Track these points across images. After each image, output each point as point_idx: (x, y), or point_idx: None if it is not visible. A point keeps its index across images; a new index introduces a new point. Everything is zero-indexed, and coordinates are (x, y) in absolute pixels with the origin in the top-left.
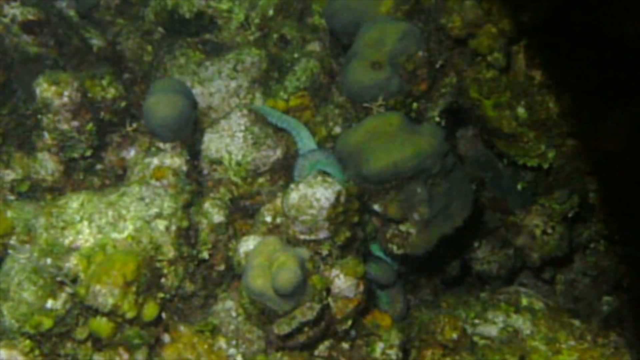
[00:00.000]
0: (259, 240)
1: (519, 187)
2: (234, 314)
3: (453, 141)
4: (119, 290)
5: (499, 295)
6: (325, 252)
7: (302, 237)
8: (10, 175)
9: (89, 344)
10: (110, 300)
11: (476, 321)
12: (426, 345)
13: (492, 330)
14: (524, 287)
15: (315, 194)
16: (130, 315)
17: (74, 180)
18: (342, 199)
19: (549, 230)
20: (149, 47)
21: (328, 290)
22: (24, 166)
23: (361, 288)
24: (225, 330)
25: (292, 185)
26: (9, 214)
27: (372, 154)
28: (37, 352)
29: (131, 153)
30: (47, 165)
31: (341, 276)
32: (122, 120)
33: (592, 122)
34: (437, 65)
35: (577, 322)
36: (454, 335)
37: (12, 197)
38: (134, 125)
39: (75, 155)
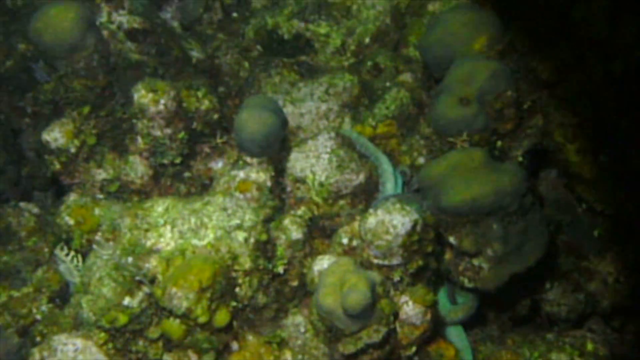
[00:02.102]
0: (333, 260)
1: (596, 233)
2: (302, 329)
3: (535, 182)
4: (193, 295)
5: (565, 338)
6: (396, 278)
7: (375, 261)
8: (101, 175)
9: (160, 343)
10: (185, 304)
11: None
12: None
13: None
14: (592, 333)
15: (393, 220)
16: (202, 320)
17: (161, 185)
18: (419, 228)
19: (622, 279)
20: (246, 64)
21: (396, 315)
22: (115, 167)
23: (428, 316)
24: (292, 344)
25: (371, 210)
26: (97, 211)
27: (452, 186)
28: (110, 345)
29: (219, 164)
30: (137, 169)
31: (410, 303)
32: (213, 132)
33: None
34: (525, 106)
35: None
36: None
37: (101, 196)
38: (225, 138)
39: (165, 161)
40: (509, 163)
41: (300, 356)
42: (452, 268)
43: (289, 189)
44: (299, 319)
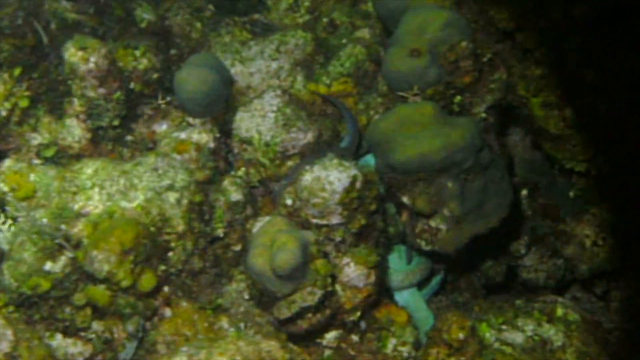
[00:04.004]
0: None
1: (571, 194)
2: (246, 295)
3: (502, 139)
4: (115, 258)
5: (535, 304)
6: (338, 239)
7: (314, 221)
8: (37, 140)
9: (89, 311)
10: (106, 267)
11: (503, 327)
12: (432, 344)
13: (518, 338)
14: (576, 300)
15: (329, 176)
16: (125, 284)
17: (102, 149)
18: (358, 184)
19: (600, 242)
20: (198, 25)
21: (333, 277)
22: (51, 131)
23: (372, 279)
24: (234, 311)
25: (307, 167)
26: (32, 177)
27: (400, 143)
28: (11, 308)
29: (163, 127)
30: (74, 132)
31: (351, 264)
32: (155, 93)
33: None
34: (485, 59)
35: (612, 338)
36: (460, 335)
37: (37, 162)
38: (168, 98)
39: (103, 124)
40: (462, 117)
41: (242, 324)
42: (409, 230)
43: (235, 150)
44: (243, 285)
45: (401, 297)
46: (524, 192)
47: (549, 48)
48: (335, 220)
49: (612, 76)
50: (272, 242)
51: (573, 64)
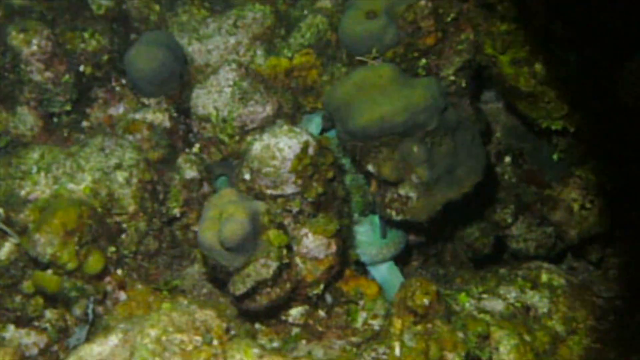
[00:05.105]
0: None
1: (555, 157)
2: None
3: (477, 104)
4: (58, 240)
5: (518, 271)
6: (295, 209)
7: (268, 191)
8: None
9: (40, 299)
10: (49, 250)
11: (484, 295)
12: (397, 312)
13: (498, 305)
14: (573, 271)
15: (279, 144)
16: (70, 266)
17: (57, 136)
18: (311, 150)
19: (588, 205)
20: (156, 7)
21: (289, 248)
22: (2, 120)
23: (333, 249)
24: (197, 292)
25: (256, 136)
26: None
27: (358, 107)
28: None
29: (120, 110)
30: (26, 120)
31: (310, 235)
32: (107, 75)
33: (609, 76)
34: (449, 19)
35: (600, 301)
36: (425, 301)
37: None
38: (123, 81)
39: (55, 109)
40: (423, 78)
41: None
42: (378, 200)
43: (195, 129)
44: None
45: (377, 272)
46: (507, 158)
47: (513, 2)
48: (289, 189)
49: (581, 27)
50: (221, 215)
51: (540, 16)
